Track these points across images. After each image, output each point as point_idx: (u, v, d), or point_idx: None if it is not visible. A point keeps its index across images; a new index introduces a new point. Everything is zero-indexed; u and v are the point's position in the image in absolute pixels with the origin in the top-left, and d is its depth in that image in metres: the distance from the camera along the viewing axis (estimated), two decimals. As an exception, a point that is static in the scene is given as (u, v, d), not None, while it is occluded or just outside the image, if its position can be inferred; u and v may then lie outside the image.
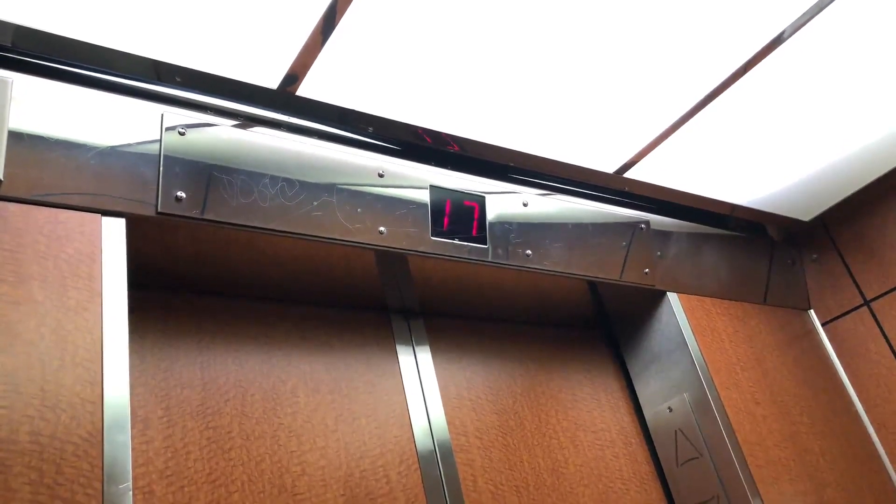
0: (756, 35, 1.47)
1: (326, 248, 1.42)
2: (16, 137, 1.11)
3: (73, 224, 1.12)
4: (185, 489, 1.25)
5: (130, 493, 0.99)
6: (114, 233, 1.15)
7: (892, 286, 2.11)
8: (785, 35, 1.48)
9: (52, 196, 1.12)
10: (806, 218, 2.25)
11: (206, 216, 1.24)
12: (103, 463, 0.99)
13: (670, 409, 1.85)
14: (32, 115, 1.14)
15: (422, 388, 1.62)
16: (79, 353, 1.03)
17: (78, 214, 1.13)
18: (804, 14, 1.43)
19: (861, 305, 2.17)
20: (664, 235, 1.97)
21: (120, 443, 1.01)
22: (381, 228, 1.44)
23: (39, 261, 1.06)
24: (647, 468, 1.86)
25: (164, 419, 1.30)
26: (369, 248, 1.42)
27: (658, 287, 1.88)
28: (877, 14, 1.46)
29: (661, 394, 1.89)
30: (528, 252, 1.64)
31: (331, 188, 1.40)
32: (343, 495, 1.39)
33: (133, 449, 1.21)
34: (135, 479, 1.20)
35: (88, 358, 1.04)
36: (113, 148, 1.20)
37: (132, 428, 1.15)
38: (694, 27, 1.42)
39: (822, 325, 2.25)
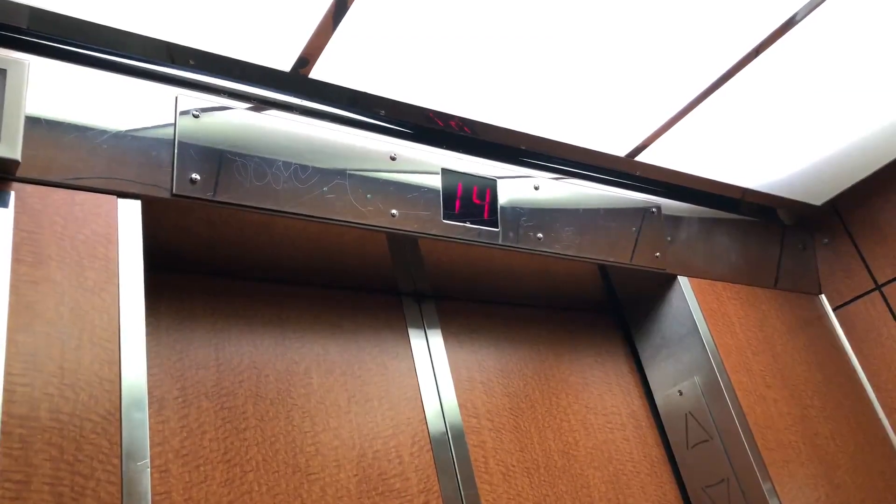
0: (768, 17, 1.46)
1: (339, 231, 1.43)
2: (32, 119, 1.12)
3: (89, 206, 1.13)
4: (201, 468, 1.27)
5: (149, 470, 1.00)
6: (130, 214, 1.16)
7: (904, 270, 2.11)
8: (797, 17, 1.47)
9: (69, 178, 1.13)
10: (817, 202, 2.25)
11: (220, 198, 1.25)
12: (122, 440, 1.00)
13: (681, 393, 1.86)
14: (48, 97, 1.15)
15: (433, 370, 1.63)
16: (97, 333, 1.05)
17: (94, 196, 1.14)
18: (818, -5, 1.43)
19: (872, 290, 2.17)
20: (675, 219, 1.97)
21: (138, 421, 1.03)
22: (393, 211, 1.44)
23: (57, 242, 1.08)
24: (657, 451, 1.87)
25: (180, 399, 1.31)
26: (381, 231, 1.43)
27: (669, 271, 1.88)
28: (891, -5, 1.46)
29: (671, 377, 1.90)
30: (540, 235, 1.64)
31: (343, 171, 1.41)
32: (356, 475, 1.41)
33: (150, 428, 1.22)
34: (151, 458, 1.21)
35: (106, 337, 1.05)
36: (128, 131, 1.21)
37: (148, 408, 1.17)
38: (706, 10, 1.41)
39: (834, 309, 2.25)
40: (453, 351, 1.70)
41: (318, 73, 1.39)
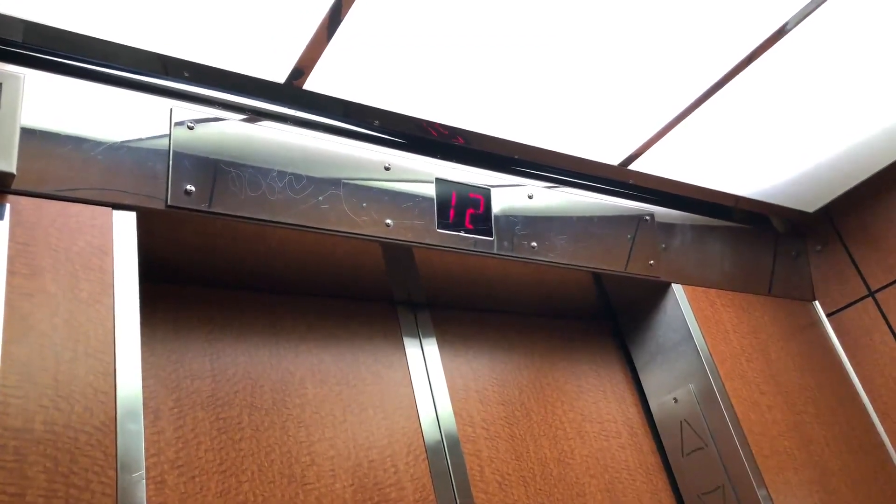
0: (759, 26, 1.47)
1: (333, 241, 1.43)
2: (27, 132, 1.12)
3: (84, 217, 1.13)
4: (196, 479, 1.27)
5: (144, 481, 1.00)
6: (124, 226, 1.17)
7: (897, 277, 2.11)
8: (788, 26, 1.48)
9: (64, 190, 1.13)
10: (810, 209, 2.26)
11: (215, 209, 1.26)
12: (117, 452, 1.00)
13: (675, 400, 1.86)
14: (43, 109, 1.16)
15: (429, 379, 1.64)
16: (91, 345, 1.05)
17: (89, 208, 1.14)
18: (808, 5, 1.43)
19: (866, 296, 2.18)
20: (669, 227, 1.98)
21: (133, 432, 1.03)
22: (388, 221, 1.45)
23: (52, 254, 1.08)
24: (652, 458, 1.88)
25: (175, 410, 1.31)
26: (376, 241, 1.44)
27: (663, 279, 1.89)
28: (880, 5, 1.47)
29: (666, 385, 1.90)
30: (534, 244, 1.65)
31: (337, 181, 1.41)
32: (352, 485, 1.41)
33: (145, 439, 1.22)
34: (147, 469, 1.21)
35: (101, 349, 1.05)
36: (123, 142, 1.21)
37: (143, 419, 1.17)
38: (697, 19, 1.42)
39: (827, 315, 2.26)
40: (448, 360, 1.70)
41: (312, 84, 1.40)
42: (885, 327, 2.12)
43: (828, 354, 2.19)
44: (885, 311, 2.13)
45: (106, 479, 0.98)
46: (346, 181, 1.42)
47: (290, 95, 1.41)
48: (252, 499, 1.30)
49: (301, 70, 1.37)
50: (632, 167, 1.85)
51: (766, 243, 2.24)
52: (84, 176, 1.16)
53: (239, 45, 1.29)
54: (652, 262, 1.87)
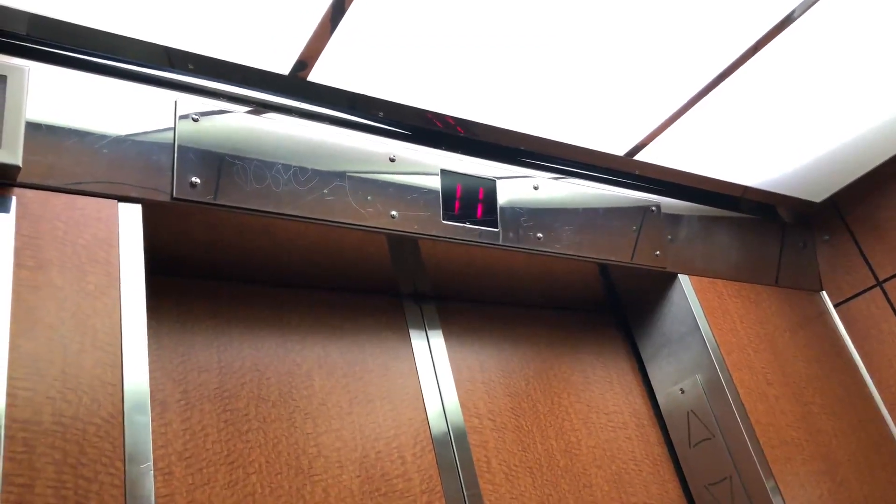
0: (766, 15, 1.46)
1: (339, 233, 1.43)
2: (33, 125, 1.12)
3: (90, 210, 1.13)
4: (204, 471, 1.27)
5: (152, 472, 1.01)
6: (130, 218, 1.17)
7: (905, 266, 2.10)
8: (795, 14, 1.47)
9: (70, 183, 1.13)
10: (817, 199, 2.25)
11: (221, 202, 1.26)
12: (125, 443, 1.00)
13: (682, 391, 1.86)
14: (48, 103, 1.16)
15: (435, 371, 1.64)
16: (98, 337, 1.05)
17: (95, 201, 1.15)
18: (814, -7, 1.43)
19: (873, 286, 2.17)
20: (675, 218, 1.97)
21: (140, 424, 1.03)
22: (393, 213, 1.45)
23: (58, 246, 1.08)
24: (659, 449, 1.87)
25: (182, 402, 1.32)
26: (381, 233, 1.44)
27: (669, 269, 1.89)
28: (888, -8, 1.46)
29: (673, 375, 1.90)
30: (539, 235, 1.65)
31: (342, 173, 1.41)
32: (359, 476, 1.41)
33: (152, 431, 1.22)
34: (154, 461, 1.22)
35: (108, 341, 1.06)
36: (128, 135, 1.21)
37: (151, 411, 1.17)
38: (703, 7, 1.42)
39: (835, 306, 2.25)
40: (454, 351, 1.70)
41: (316, 75, 1.40)
42: (893, 317, 2.11)
43: (835, 345, 2.18)
44: (892, 300, 2.12)
45: (114, 470, 0.98)
46: (351, 173, 1.42)
47: (295, 87, 1.41)
48: (259, 490, 1.30)
49: (305, 62, 1.36)
50: (638, 157, 1.84)
51: (773, 233, 2.23)
52: (89, 169, 1.16)
53: (243, 37, 1.29)
54: (658, 252, 1.86)
